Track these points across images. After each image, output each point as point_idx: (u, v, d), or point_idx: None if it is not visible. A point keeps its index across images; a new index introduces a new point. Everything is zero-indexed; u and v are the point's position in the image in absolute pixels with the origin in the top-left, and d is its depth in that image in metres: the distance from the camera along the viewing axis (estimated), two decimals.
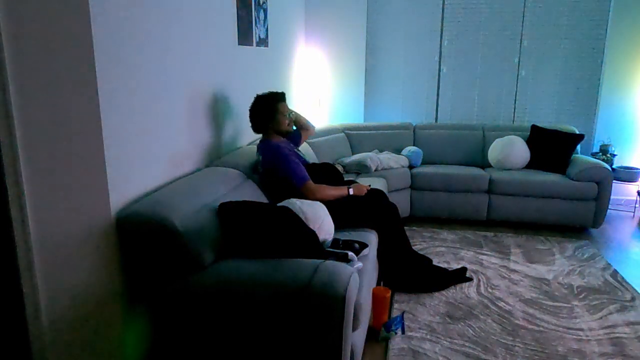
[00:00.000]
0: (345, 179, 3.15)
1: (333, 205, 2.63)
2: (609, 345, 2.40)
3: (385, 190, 3.71)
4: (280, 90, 2.93)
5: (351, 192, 2.86)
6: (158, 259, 1.91)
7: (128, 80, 1.97)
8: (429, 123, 4.92)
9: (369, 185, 3.03)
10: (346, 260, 2.16)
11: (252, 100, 2.89)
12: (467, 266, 3.30)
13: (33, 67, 1.67)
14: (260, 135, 2.96)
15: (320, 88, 5.14)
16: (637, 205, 4.59)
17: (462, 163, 4.54)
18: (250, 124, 2.91)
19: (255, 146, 2.97)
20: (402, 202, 4.12)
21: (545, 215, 4.03)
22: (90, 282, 1.88)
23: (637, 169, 4.56)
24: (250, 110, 2.88)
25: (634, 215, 4.51)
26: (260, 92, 2.90)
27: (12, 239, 1.75)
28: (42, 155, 1.74)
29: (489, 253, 3.57)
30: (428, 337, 2.46)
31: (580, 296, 2.91)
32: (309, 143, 4.06)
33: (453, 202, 4.17)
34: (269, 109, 2.82)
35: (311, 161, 3.03)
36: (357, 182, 3.07)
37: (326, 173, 2.97)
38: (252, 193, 2.59)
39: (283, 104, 2.87)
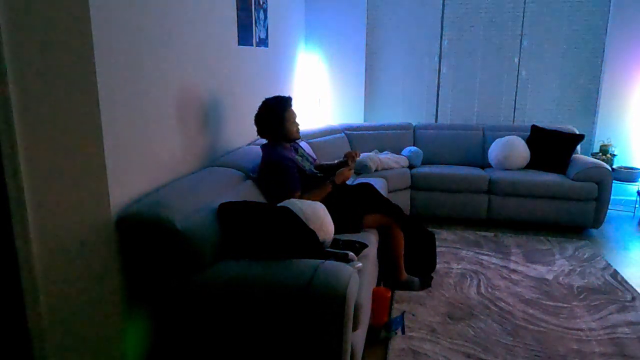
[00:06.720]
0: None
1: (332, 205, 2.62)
2: (609, 346, 2.40)
3: (385, 191, 3.72)
4: (286, 95, 2.81)
5: (336, 183, 2.80)
6: (158, 259, 1.91)
7: (128, 81, 1.97)
8: (429, 123, 4.92)
9: (356, 153, 3.08)
10: (346, 260, 2.16)
11: (251, 100, 2.88)
12: (467, 266, 3.31)
13: (33, 67, 1.67)
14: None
15: (320, 88, 5.14)
16: (637, 205, 4.58)
17: (462, 163, 4.54)
18: (256, 128, 2.80)
19: (256, 146, 2.96)
20: (402, 202, 4.11)
21: (545, 215, 4.03)
22: (91, 282, 1.88)
23: (637, 169, 4.55)
24: (256, 116, 2.78)
25: (634, 215, 4.51)
26: (267, 96, 2.79)
27: (12, 239, 1.74)
28: (42, 156, 1.74)
29: (489, 253, 3.57)
30: (428, 337, 2.46)
31: (581, 296, 2.91)
32: (309, 143, 4.06)
33: (453, 202, 4.17)
34: (277, 117, 2.73)
35: (308, 164, 2.99)
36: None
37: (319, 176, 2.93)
38: (251, 193, 2.59)
39: (290, 110, 2.78)
